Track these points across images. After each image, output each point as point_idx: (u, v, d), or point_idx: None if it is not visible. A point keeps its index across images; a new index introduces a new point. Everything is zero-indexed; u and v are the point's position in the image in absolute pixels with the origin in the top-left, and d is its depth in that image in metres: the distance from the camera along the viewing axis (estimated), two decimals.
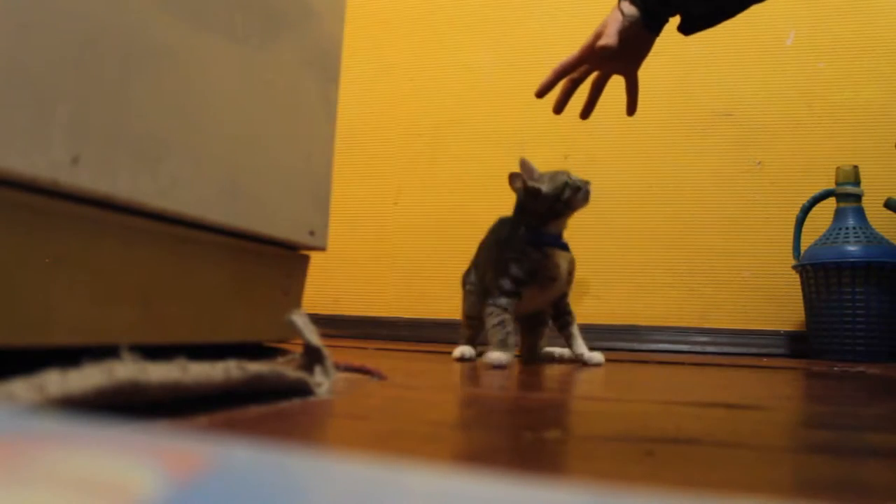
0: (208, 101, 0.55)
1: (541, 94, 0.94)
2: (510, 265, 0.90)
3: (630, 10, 0.86)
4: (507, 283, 0.90)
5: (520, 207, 0.95)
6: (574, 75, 0.94)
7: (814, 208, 1.40)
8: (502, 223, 1.00)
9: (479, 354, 0.95)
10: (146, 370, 0.30)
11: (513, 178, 0.94)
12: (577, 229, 1.66)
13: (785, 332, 1.50)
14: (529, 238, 0.92)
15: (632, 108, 0.97)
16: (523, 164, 0.93)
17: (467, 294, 1.02)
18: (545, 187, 0.92)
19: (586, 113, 0.98)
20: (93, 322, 0.44)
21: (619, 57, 0.89)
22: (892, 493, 0.25)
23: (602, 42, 0.86)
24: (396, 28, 1.84)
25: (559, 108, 0.96)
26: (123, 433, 0.14)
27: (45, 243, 0.40)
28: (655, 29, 0.89)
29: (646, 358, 1.23)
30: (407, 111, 1.79)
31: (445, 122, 1.76)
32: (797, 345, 1.47)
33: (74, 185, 0.41)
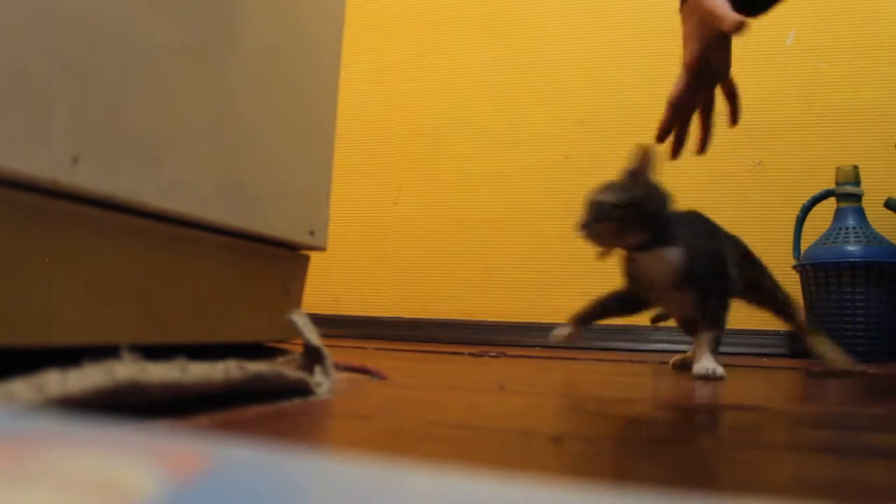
0: (208, 101, 0.55)
1: (661, 138, 0.81)
2: None
3: None
4: None
5: None
6: (685, 105, 0.81)
7: (814, 208, 1.40)
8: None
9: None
10: (146, 370, 0.30)
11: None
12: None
13: (785, 332, 1.50)
14: None
15: (735, 114, 0.84)
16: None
17: None
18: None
19: (704, 147, 0.85)
20: (93, 322, 0.44)
21: (718, 55, 0.76)
22: (892, 493, 0.25)
23: (730, 21, 0.69)
24: (396, 28, 1.84)
25: (677, 152, 0.84)
26: (123, 433, 0.14)
27: (45, 243, 0.40)
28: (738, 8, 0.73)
29: (645, 358, 1.23)
30: (407, 111, 1.79)
31: (445, 122, 1.76)
32: (797, 345, 1.47)
33: (74, 185, 0.41)
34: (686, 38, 0.77)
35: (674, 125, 0.80)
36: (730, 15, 0.69)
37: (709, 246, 0.80)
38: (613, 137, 1.63)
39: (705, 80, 0.80)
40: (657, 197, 0.78)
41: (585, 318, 0.87)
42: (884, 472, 0.29)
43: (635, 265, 0.80)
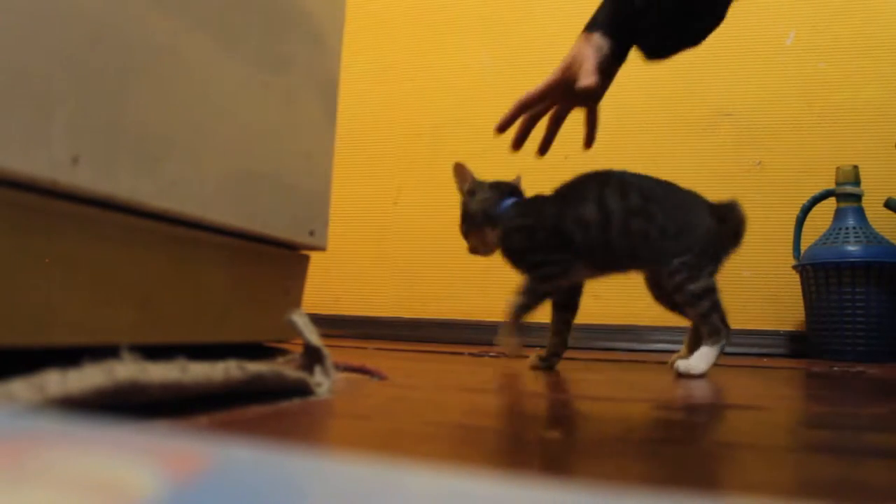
0: (208, 101, 0.55)
1: (502, 128, 0.88)
2: None
3: (602, 41, 0.81)
4: None
5: None
6: (536, 110, 0.89)
7: (814, 208, 1.40)
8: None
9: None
10: (146, 370, 0.30)
11: None
12: None
13: (785, 332, 1.50)
14: None
15: (589, 141, 0.94)
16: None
17: None
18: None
19: (544, 149, 0.94)
20: (93, 322, 0.44)
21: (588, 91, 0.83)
22: (892, 493, 0.25)
23: (584, 83, 0.80)
24: (396, 28, 1.84)
25: (518, 144, 0.91)
26: (123, 433, 0.14)
27: (45, 243, 0.40)
28: (621, 58, 0.85)
29: (645, 358, 1.23)
30: (407, 111, 1.79)
31: (445, 122, 1.76)
32: (797, 345, 1.47)
33: (74, 185, 0.41)
34: (567, 56, 0.85)
35: (515, 120, 0.88)
36: (587, 77, 0.80)
37: (518, 223, 0.87)
38: (613, 138, 1.63)
39: (563, 100, 0.89)
40: (476, 199, 0.92)
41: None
42: (884, 472, 0.29)
43: None
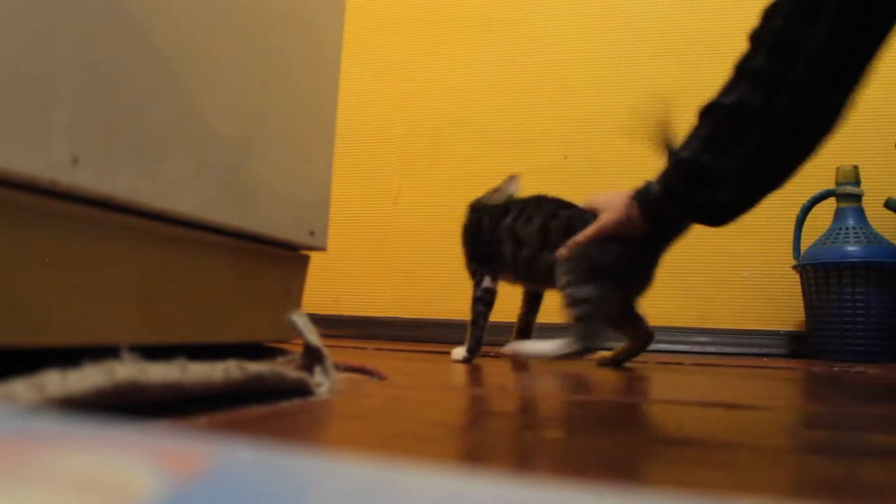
0: (208, 101, 0.55)
1: None
2: None
3: (637, 219, 0.80)
4: None
5: None
6: None
7: (814, 208, 1.40)
8: None
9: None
10: (146, 370, 0.30)
11: None
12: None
13: (785, 332, 1.50)
14: None
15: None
16: None
17: None
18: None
19: None
20: (93, 322, 0.44)
21: None
22: (892, 493, 0.25)
23: (560, 253, 0.84)
24: (396, 28, 1.84)
25: None
26: (123, 433, 0.14)
27: (45, 243, 0.40)
28: (675, 231, 0.84)
29: (645, 358, 1.23)
30: (407, 111, 1.79)
31: (445, 122, 1.76)
32: (797, 345, 1.47)
33: (74, 185, 0.41)
34: (606, 198, 0.86)
35: None
36: (565, 248, 0.85)
37: (466, 220, 1.01)
38: (613, 138, 1.63)
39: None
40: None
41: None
42: (884, 472, 0.29)
43: None
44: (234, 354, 0.39)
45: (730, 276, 1.54)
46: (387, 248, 1.75)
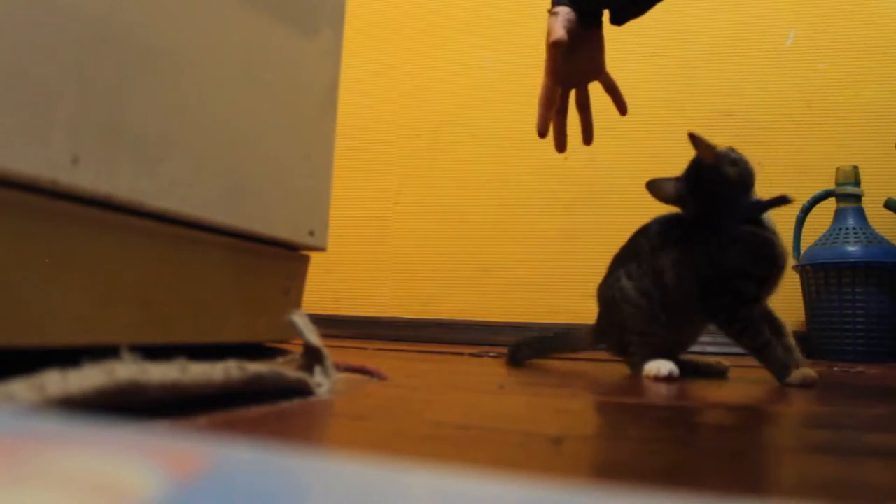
0: (208, 101, 0.55)
1: (543, 133, 0.88)
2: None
3: (564, 9, 0.85)
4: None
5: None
6: (557, 105, 0.89)
7: (814, 208, 1.40)
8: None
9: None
10: (146, 370, 0.30)
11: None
12: (577, 229, 1.66)
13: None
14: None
15: (621, 106, 0.94)
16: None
17: None
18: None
19: (588, 137, 0.93)
20: (93, 322, 0.44)
21: (578, 59, 0.86)
22: (892, 493, 0.25)
23: (552, 38, 0.81)
24: (396, 28, 1.84)
25: (561, 145, 0.90)
26: (123, 433, 0.14)
27: (45, 243, 0.40)
28: (591, 24, 0.88)
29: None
30: (407, 111, 1.79)
31: (445, 123, 1.76)
32: (797, 345, 1.47)
33: (74, 185, 0.41)
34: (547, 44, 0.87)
35: (549, 121, 0.88)
36: (553, 34, 0.81)
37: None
38: (613, 138, 1.63)
39: (571, 81, 0.89)
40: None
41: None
42: (884, 472, 0.29)
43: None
44: (234, 354, 0.39)
45: None
46: (387, 248, 1.75)
